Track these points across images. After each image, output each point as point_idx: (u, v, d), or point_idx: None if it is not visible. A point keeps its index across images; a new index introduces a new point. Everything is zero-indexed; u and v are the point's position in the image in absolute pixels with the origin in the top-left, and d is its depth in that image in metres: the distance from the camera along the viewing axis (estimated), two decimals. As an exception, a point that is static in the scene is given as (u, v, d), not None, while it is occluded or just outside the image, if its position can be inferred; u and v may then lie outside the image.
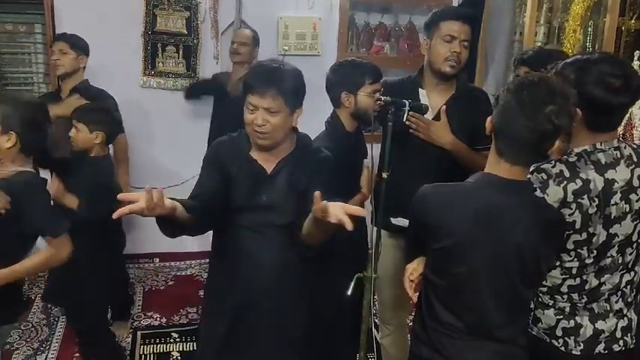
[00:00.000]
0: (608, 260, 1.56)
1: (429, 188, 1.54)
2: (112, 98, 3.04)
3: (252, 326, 1.84)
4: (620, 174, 1.53)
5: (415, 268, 1.63)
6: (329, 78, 2.18)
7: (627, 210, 1.54)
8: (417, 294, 1.64)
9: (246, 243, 1.79)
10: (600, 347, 1.59)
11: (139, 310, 3.42)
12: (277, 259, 1.80)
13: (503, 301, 1.49)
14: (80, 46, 3.04)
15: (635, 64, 2.81)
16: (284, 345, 1.90)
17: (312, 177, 1.77)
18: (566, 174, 1.52)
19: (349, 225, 1.34)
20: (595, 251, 1.55)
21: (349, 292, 1.94)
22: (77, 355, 2.95)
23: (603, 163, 1.54)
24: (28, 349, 2.98)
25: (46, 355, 2.94)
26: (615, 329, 1.60)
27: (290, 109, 1.75)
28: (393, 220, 2.13)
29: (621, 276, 1.60)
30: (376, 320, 2.54)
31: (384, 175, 1.91)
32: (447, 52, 2.10)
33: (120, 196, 1.42)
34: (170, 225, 1.59)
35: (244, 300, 1.81)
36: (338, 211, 1.37)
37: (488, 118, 1.49)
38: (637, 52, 2.88)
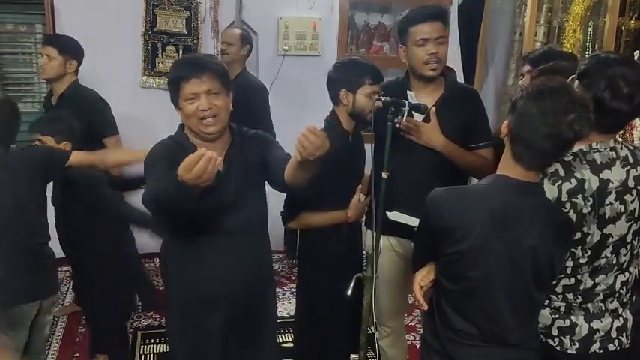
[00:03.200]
0: (603, 260, 1.56)
1: (442, 192, 1.52)
2: (101, 100, 2.91)
3: (232, 322, 1.83)
4: (616, 174, 1.53)
5: (425, 275, 1.60)
6: (330, 75, 2.17)
7: (622, 211, 1.54)
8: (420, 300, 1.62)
9: (220, 246, 1.76)
10: (595, 346, 1.59)
11: (139, 310, 3.42)
12: (251, 255, 1.81)
13: (517, 305, 1.48)
14: (70, 51, 2.89)
15: (635, 64, 2.81)
16: (263, 332, 1.93)
17: (263, 152, 1.80)
18: (561, 173, 1.52)
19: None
20: (589, 251, 1.55)
21: (349, 292, 1.94)
22: (77, 355, 2.96)
23: (599, 163, 1.53)
24: (28, 349, 2.98)
25: (47, 355, 2.94)
26: (610, 329, 1.60)
27: (227, 92, 1.74)
28: (390, 215, 2.11)
29: (615, 277, 1.60)
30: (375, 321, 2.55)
31: (384, 175, 1.90)
32: (425, 55, 2.08)
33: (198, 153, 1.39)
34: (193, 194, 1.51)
35: (224, 301, 1.80)
36: (304, 141, 1.44)
37: (505, 122, 1.47)
38: (637, 52, 2.89)
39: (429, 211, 1.52)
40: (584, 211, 1.51)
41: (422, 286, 1.60)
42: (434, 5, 2.19)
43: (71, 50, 2.92)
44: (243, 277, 1.80)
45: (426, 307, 1.60)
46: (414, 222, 2.04)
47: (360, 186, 2.21)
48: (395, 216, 2.08)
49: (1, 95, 2.32)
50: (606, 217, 1.53)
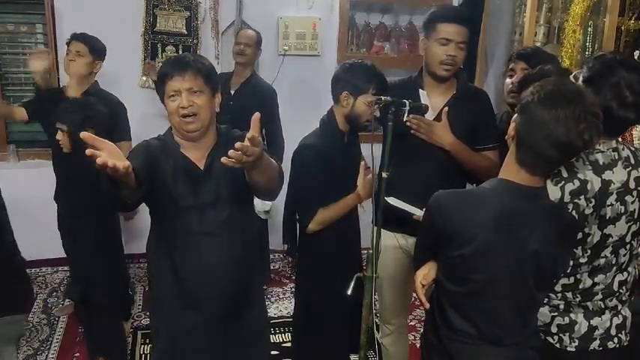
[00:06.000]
0: (602, 260, 1.57)
1: (445, 194, 1.52)
2: (123, 105, 2.97)
3: (217, 326, 1.82)
4: (617, 175, 1.54)
5: (427, 274, 1.60)
6: (337, 73, 2.16)
7: (622, 211, 1.55)
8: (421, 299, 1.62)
9: (200, 246, 1.76)
10: (595, 344, 1.60)
11: (140, 310, 3.43)
12: (232, 256, 1.80)
13: (518, 306, 1.48)
14: (98, 51, 2.98)
15: (635, 64, 2.82)
16: (251, 334, 1.92)
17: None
18: (564, 174, 1.52)
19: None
20: (589, 251, 1.55)
21: (349, 292, 1.95)
22: (77, 354, 2.96)
23: (601, 163, 1.54)
24: (29, 349, 2.99)
25: (47, 355, 2.95)
26: (610, 326, 1.61)
27: (211, 90, 1.75)
28: (388, 199, 2.05)
29: (614, 277, 1.61)
30: (376, 320, 2.55)
31: (384, 175, 1.90)
32: (443, 54, 2.09)
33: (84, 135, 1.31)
34: (122, 187, 1.46)
35: (204, 302, 1.79)
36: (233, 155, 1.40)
37: (512, 125, 1.45)
38: (636, 52, 2.89)
39: (433, 212, 1.52)
40: (587, 211, 1.51)
41: (423, 285, 1.60)
42: (465, 10, 2.21)
43: (100, 50, 2.98)
44: (222, 277, 1.78)
45: (427, 305, 1.60)
46: (410, 209, 2.05)
47: (362, 162, 2.20)
48: (393, 201, 2.08)
49: None
50: (607, 218, 1.53)
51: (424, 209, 1.62)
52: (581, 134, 1.33)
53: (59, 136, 2.46)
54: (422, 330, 1.75)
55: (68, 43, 2.99)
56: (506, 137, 1.49)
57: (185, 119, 1.70)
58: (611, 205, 1.53)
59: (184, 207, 1.74)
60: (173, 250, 1.79)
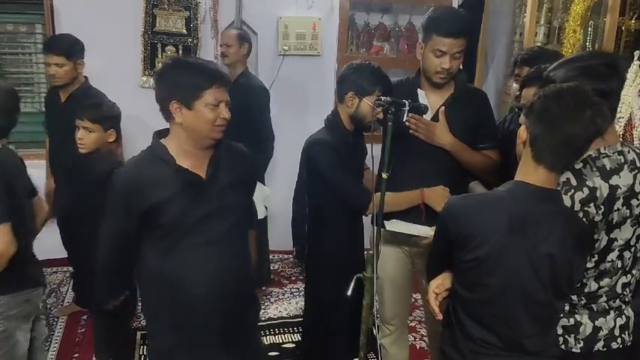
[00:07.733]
0: (608, 265, 1.57)
1: (459, 199, 1.52)
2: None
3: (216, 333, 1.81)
4: (624, 179, 1.53)
5: (440, 283, 1.59)
6: (344, 74, 2.16)
7: (628, 215, 1.54)
8: (431, 309, 1.61)
9: (202, 254, 1.73)
10: (599, 345, 1.60)
11: (139, 311, 3.41)
12: (234, 263, 1.79)
13: (535, 313, 1.47)
14: (76, 53, 2.92)
15: (635, 63, 2.81)
16: (249, 337, 1.93)
17: (243, 176, 1.84)
18: (573, 182, 1.51)
19: None
20: (596, 256, 1.55)
21: (349, 293, 1.94)
22: (77, 355, 2.95)
23: (608, 169, 1.53)
24: (29, 349, 2.98)
25: (46, 355, 2.94)
26: (614, 327, 1.61)
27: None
28: (387, 225, 2.11)
29: (618, 279, 1.60)
30: (377, 320, 2.55)
31: (384, 175, 1.90)
32: (438, 66, 2.09)
33: None
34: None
35: (205, 308, 1.77)
36: None
37: (522, 127, 1.47)
38: (637, 52, 2.87)
39: (446, 219, 1.52)
40: (596, 219, 1.51)
41: (437, 294, 1.59)
42: (463, 19, 2.15)
43: (76, 52, 2.93)
44: (224, 284, 1.76)
45: (440, 316, 1.59)
46: (412, 230, 2.05)
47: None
48: (393, 225, 2.09)
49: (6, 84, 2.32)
50: (613, 222, 1.53)
51: (432, 228, 1.60)
52: (592, 119, 1.36)
53: (82, 134, 2.40)
54: (426, 339, 1.74)
55: (44, 53, 2.93)
56: (518, 142, 1.50)
57: (217, 129, 1.72)
58: (618, 209, 1.52)
59: (188, 218, 1.71)
60: (174, 259, 1.74)
